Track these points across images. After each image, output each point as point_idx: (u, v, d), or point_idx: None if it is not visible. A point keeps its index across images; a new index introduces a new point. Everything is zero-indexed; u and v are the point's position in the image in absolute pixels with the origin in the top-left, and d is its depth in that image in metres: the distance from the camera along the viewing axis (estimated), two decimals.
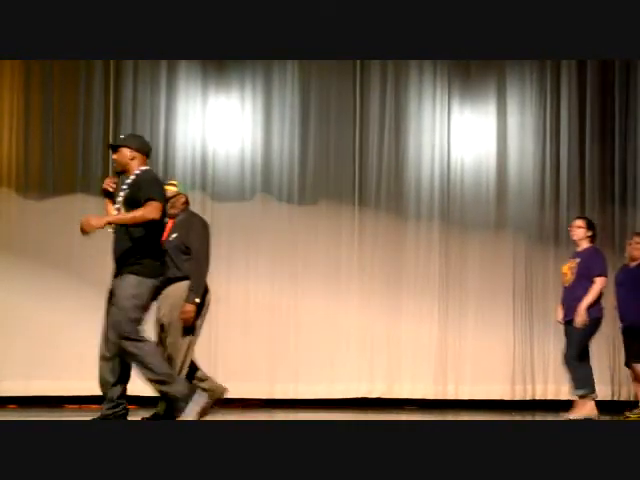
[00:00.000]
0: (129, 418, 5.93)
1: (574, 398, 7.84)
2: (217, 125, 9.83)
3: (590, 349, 7.98)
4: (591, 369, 7.87)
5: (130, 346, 5.59)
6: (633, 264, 8.34)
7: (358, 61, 9.90)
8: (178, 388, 5.66)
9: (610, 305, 8.35)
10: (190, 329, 6.31)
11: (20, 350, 9.15)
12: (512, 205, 10.12)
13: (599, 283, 7.81)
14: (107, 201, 5.95)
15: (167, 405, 5.97)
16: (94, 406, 7.43)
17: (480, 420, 7.42)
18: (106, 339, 5.80)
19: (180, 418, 5.60)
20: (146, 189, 5.68)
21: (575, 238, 8.05)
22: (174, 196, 6.51)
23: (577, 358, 7.76)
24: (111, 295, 5.79)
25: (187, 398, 5.65)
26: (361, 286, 9.83)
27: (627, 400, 9.47)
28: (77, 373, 8.65)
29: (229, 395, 9.47)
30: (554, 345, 8.99)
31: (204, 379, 6.52)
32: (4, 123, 9.49)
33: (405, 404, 9.65)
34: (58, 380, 9.08)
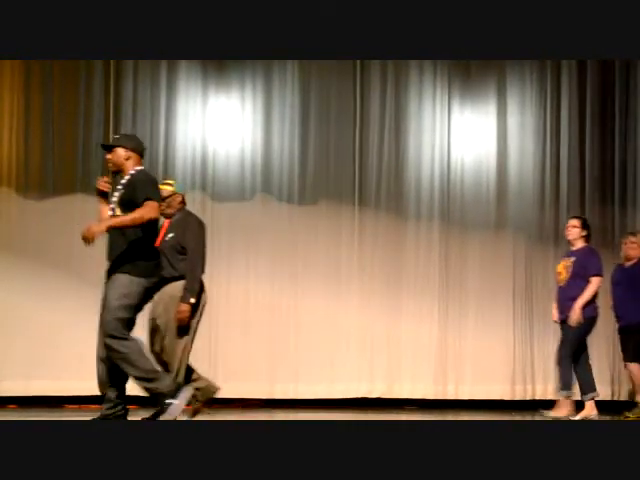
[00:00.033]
0: (129, 418, 5.92)
1: (557, 397, 7.86)
2: (217, 125, 9.83)
3: (589, 349, 7.99)
4: (589, 371, 7.90)
5: (115, 344, 5.60)
6: (628, 264, 8.34)
7: (358, 61, 9.91)
8: (163, 385, 5.66)
9: (606, 305, 8.35)
10: (185, 329, 6.29)
11: (20, 350, 9.15)
12: (512, 205, 10.12)
13: (595, 282, 7.83)
14: (101, 201, 5.94)
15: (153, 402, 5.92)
16: (94, 406, 7.43)
17: (480, 420, 7.42)
18: (102, 340, 5.81)
19: (166, 415, 5.60)
20: (142, 189, 5.68)
21: (570, 238, 8.06)
22: (170, 195, 6.50)
23: (570, 357, 7.77)
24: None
25: (173, 395, 5.65)
26: (361, 286, 9.83)
27: (627, 400, 9.47)
28: (77, 373, 8.65)
29: (229, 395, 9.50)
30: (554, 345, 8.96)
31: (196, 379, 6.51)
32: (4, 123, 9.49)
33: (405, 404, 9.65)
34: (58, 380, 9.08)
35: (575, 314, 7.73)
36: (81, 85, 9.59)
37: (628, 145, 10.19)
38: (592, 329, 7.92)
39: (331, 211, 9.88)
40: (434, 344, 9.85)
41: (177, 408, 5.65)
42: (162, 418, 5.60)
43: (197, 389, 6.39)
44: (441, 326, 9.88)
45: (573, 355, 7.83)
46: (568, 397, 7.75)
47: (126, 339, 5.62)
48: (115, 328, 5.59)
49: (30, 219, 9.40)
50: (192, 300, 6.27)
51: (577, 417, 7.75)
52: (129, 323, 5.69)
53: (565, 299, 7.86)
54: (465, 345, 9.89)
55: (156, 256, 5.87)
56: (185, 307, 6.25)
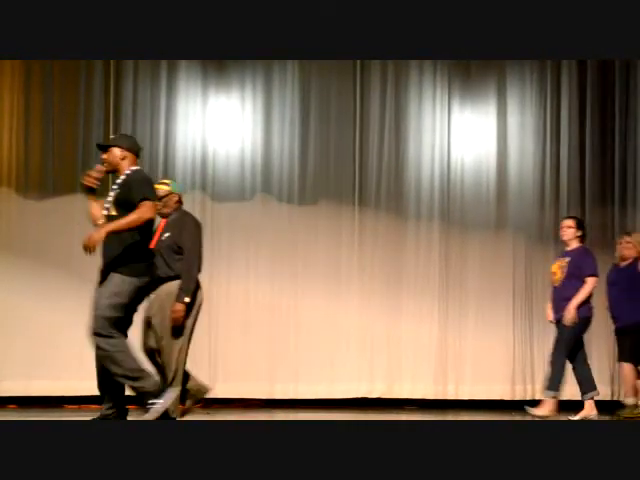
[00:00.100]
0: (129, 418, 5.92)
1: (542, 398, 7.86)
2: (217, 125, 9.83)
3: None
4: (588, 370, 7.89)
5: (101, 342, 5.61)
6: (624, 264, 8.33)
7: (358, 61, 9.91)
8: (148, 384, 5.66)
9: (602, 305, 8.35)
10: (180, 329, 6.26)
11: (20, 350, 9.15)
12: (512, 205, 10.12)
13: (590, 283, 7.83)
14: (89, 197, 5.91)
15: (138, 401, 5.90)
16: (94, 406, 7.43)
17: (480, 420, 7.42)
18: None
19: (149, 414, 5.60)
20: (138, 189, 5.67)
21: (565, 238, 8.06)
22: (167, 195, 6.48)
23: (564, 357, 7.77)
24: None
25: (158, 394, 5.65)
26: (361, 286, 9.84)
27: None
28: (77, 373, 8.65)
29: (229, 395, 9.50)
30: None
31: (188, 379, 6.48)
32: (4, 123, 9.49)
33: (405, 404, 9.65)
34: (58, 380, 9.08)
35: (569, 313, 7.73)
36: (81, 85, 9.60)
37: (628, 145, 10.19)
38: (587, 329, 7.92)
39: (331, 211, 9.88)
40: (434, 344, 9.85)
41: (161, 408, 5.65)
42: (145, 418, 5.60)
43: (188, 390, 6.39)
44: (441, 326, 9.88)
45: (569, 355, 7.82)
46: (553, 398, 7.73)
47: (112, 337, 5.61)
48: (102, 326, 5.59)
49: (30, 219, 9.40)
50: (187, 300, 6.23)
51: (577, 417, 7.75)
52: (118, 322, 5.66)
53: (560, 299, 7.86)
54: (465, 345, 9.89)
55: (149, 256, 5.86)
56: (180, 307, 6.22)
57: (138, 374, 5.65)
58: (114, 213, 5.73)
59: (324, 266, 9.79)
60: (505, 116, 10.16)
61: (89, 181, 5.88)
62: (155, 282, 6.13)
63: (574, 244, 8.01)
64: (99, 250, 5.70)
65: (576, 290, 7.78)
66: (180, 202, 6.58)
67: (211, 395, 9.26)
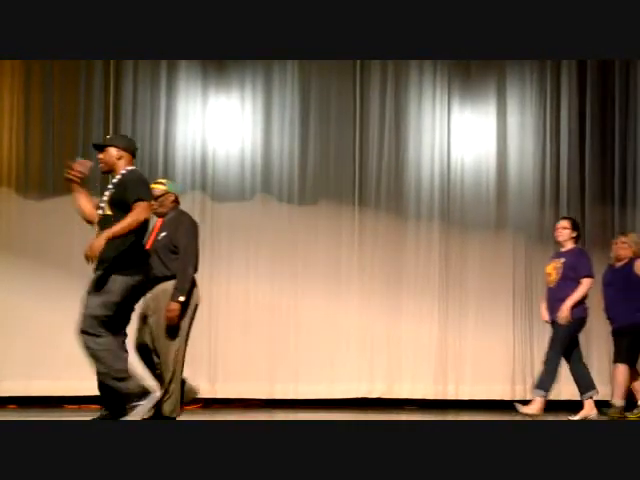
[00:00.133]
0: (147, 415, 5.92)
1: (532, 397, 7.87)
2: (217, 125, 9.83)
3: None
4: (584, 369, 7.90)
5: (87, 340, 5.61)
6: (619, 264, 8.32)
7: (358, 61, 9.91)
8: (132, 386, 5.65)
9: (601, 305, 8.35)
10: (176, 329, 6.25)
11: (20, 350, 9.15)
12: (512, 205, 10.12)
13: (586, 284, 7.83)
14: (74, 189, 5.89)
15: (117, 403, 5.88)
16: (94, 406, 7.43)
17: (480, 420, 7.42)
18: None
19: (130, 416, 5.60)
20: (133, 189, 5.68)
21: (560, 239, 8.06)
22: (163, 195, 6.47)
23: (558, 358, 7.77)
24: None
25: (140, 397, 5.65)
26: (361, 286, 9.84)
27: (626, 400, 9.45)
28: (77, 373, 8.57)
29: (229, 395, 9.50)
30: None
31: None
32: (4, 123, 9.49)
33: (405, 404, 9.65)
34: (58, 380, 9.08)
35: (563, 313, 7.73)
36: (81, 85, 9.59)
37: (628, 145, 10.19)
38: (581, 329, 7.92)
39: (331, 211, 9.88)
40: (434, 344, 9.85)
41: (143, 409, 5.65)
42: (127, 418, 5.60)
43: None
44: (441, 326, 9.88)
45: (565, 355, 7.82)
46: (541, 397, 7.73)
47: (99, 336, 5.61)
48: (90, 325, 5.60)
49: (30, 219, 9.40)
50: (181, 298, 6.20)
51: (577, 417, 7.75)
52: (109, 321, 5.65)
53: (555, 300, 7.86)
54: (465, 345, 9.89)
55: (143, 254, 5.86)
56: (175, 306, 6.20)
57: (123, 375, 5.65)
58: (109, 212, 5.74)
59: (324, 266, 9.79)
60: (505, 116, 10.16)
61: (72, 174, 5.87)
62: (152, 282, 6.13)
63: (569, 245, 8.02)
64: None
65: (571, 291, 7.78)
66: (177, 202, 6.56)
67: (211, 395, 9.35)
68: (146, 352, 6.36)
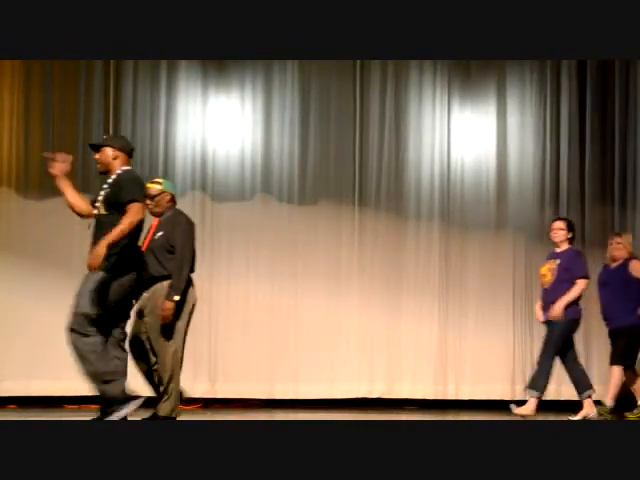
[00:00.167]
0: (129, 418, 5.92)
1: (527, 397, 7.86)
2: (217, 125, 9.83)
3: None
4: (580, 369, 7.90)
5: (75, 339, 5.63)
6: (614, 265, 8.31)
7: (358, 61, 9.91)
8: (115, 391, 5.66)
9: (595, 306, 8.34)
10: (171, 328, 6.23)
11: (20, 350, 9.15)
12: (512, 205, 10.12)
13: (581, 284, 7.82)
14: (59, 182, 5.89)
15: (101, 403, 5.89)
16: (94, 406, 7.42)
17: (480, 420, 7.42)
18: None
19: (110, 418, 5.60)
20: (128, 190, 5.68)
21: (556, 240, 8.05)
22: (159, 194, 6.46)
23: (552, 358, 7.76)
24: None
25: (122, 403, 5.65)
26: (361, 286, 9.84)
27: (626, 400, 9.45)
28: (77, 373, 8.59)
29: (229, 395, 9.49)
30: None
31: None
32: (4, 123, 9.49)
33: (405, 404, 9.65)
34: (58, 380, 9.06)
35: (555, 311, 7.72)
36: (81, 85, 9.60)
37: (628, 145, 10.19)
38: (575, 330, 7.91)
39: (331, 211, 9.89)
40: (434, 344, 9.85)
41: (123, 414, 5.65)
42: (108, 419, 5.61)
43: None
44: (441, 326, 9.88)
45: (560, 356, 7.82)
46: (536, 398, 7.73)
47: (87, 336, 5.62)
48: (79, 323, 5.61)
49: (30, 219, 9.40)
50: (176, 298, 6.18)
51: (576, 417, 7.75)
52: (100, 321, 5.64)
53: (550, 301, 7.84)
54: (465, 345, 9.89)
55: (136, 254, 5.86)
56: (169, 305, 6.18)
57: (108, 377, 5.66)
58: (104, 212, 5.75)
59: (324, 266, 9.79)
60: (505, 116, 10.16)
61: (56, 167, 5.87)
62: (148, 281, 6.13)
63: (564, 246, 8.01)
64: (90, 248, 5.69)
65: (567, 292, 7.78)
66: (173, 201, 6.54)
67: (211, 395, 9.35)
68: (138, 348, 6.34)
